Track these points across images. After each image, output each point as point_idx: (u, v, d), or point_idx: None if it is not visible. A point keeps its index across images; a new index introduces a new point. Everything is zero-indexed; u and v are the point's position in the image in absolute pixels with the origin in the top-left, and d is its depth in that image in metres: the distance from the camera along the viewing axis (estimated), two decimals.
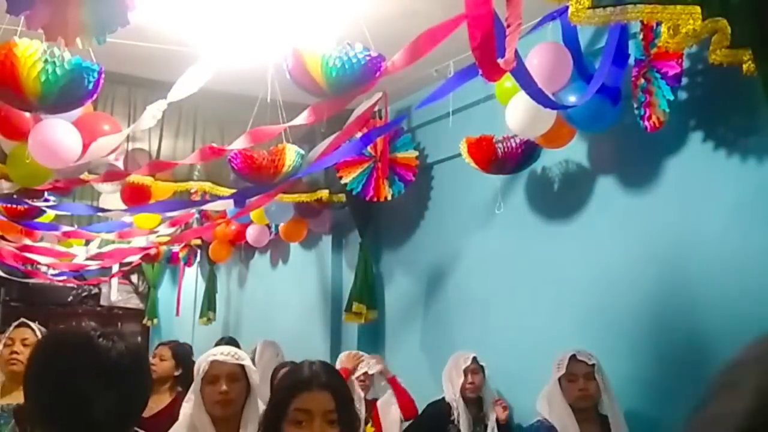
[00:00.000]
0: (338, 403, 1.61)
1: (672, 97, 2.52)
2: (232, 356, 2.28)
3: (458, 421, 3.21)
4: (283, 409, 1.61)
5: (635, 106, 2.67)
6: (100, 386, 1.25)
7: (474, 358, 3.32)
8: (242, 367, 2.26)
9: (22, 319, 3.07)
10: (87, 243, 5.89)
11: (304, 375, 1.67)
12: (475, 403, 3.34)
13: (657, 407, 2.69)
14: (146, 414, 4.07)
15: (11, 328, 3.00)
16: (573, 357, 2.73)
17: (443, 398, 3.33)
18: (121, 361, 1.29)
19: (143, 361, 1.39)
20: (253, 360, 3.30)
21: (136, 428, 1.38)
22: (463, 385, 3.27)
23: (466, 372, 3.28)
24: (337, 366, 3.38)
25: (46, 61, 2.29)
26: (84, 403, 1.23)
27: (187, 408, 2.29)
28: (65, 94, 2.40)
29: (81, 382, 1.24)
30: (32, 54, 2.27)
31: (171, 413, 3.62)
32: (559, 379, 2.74)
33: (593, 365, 2.70)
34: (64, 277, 7.20)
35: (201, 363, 2.30)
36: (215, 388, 2.21)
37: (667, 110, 2.54)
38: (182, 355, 3.87)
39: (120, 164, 3.75)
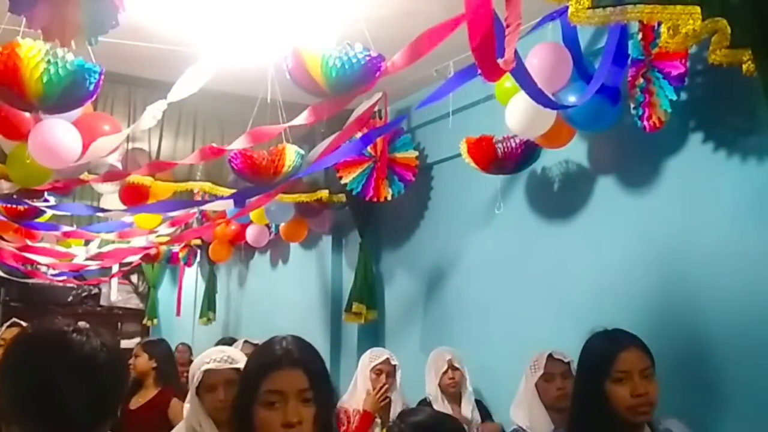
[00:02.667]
0: (312, 381, 1.52)
1: (675, 97, 2.52)
2: (225, 361, 2.22)
3: None
4: (254, 391, 1.51)
5: (632, 106, 2.67)
6: (74, 380, 1.25)
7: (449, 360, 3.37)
8: (237, 370, 2.18)
9: (14, 319, 3.08)
10: (87, 243, 5.90)
11: (274, 353, 1.56)
12: (455, 398, 3.38)
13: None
14: (133, 406, 4.19)
15: (3, 329, 3.01)
16: (550, 356, 2.69)
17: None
18: (95, 356, 1.29)
19: (119, 356, 1.39)
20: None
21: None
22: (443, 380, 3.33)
23: (446, 369, 3.34)
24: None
25: (48, 61, 2.29)
26: (57, 397, 1.24)
27: (187, 410, 2.27)
28: (67, 95, 2.40)
29: (54, 376, 1.25)
30: (35, 55, 2.27)
31: (155, 405, 3.77)
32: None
33: (569, 363, 2.66)
34: (64, 277, 7.20)
35: (195, 371, 2.24)
36: (214, 396, 2.18)
37: (670, 110, 2.54)
38: (152, 348, 4.03)
39: (120, 164, 3.75)
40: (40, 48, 2.28)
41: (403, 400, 3.46)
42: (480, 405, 3.45)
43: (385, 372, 3.35)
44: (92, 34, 2.32)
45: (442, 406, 3.27)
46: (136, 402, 3.84)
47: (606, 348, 2.01)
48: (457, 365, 3.37)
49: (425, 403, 3.36)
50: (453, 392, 3.36)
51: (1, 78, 2.31)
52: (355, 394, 3.39)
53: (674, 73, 2.52)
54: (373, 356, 3.41)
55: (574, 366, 2.60)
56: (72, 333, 1.31)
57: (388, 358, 3.39)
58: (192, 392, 2.23)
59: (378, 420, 3.28)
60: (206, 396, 2.19)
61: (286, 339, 1.61)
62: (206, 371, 2.20)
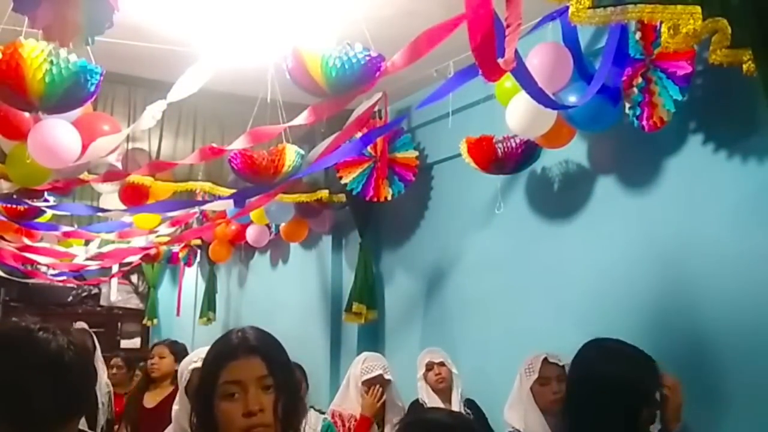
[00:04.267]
0: (271, 368, 1.47)
1: (680, 97, 2.51)
2: None
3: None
4: (213, 384, 1.46)
5: (628, 105, 2.66)
6: (39, 379, 1.26)
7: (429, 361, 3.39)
8: None
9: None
10: (87, 243, 5.90)
11: (230, 343, 1.53)
12: (447, 397, 3.38)
13: None
14: (150, 405, 4.27)
15: None
16: (545, 360, 2.66)
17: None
18: (62, 354, 1.30)
19: (86, 356, 1.40)
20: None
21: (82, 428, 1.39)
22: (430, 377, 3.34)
23: (430, 366, 3.36)
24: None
25: (51, 62, 2.29)
26: (23, 395, 1.24)
27: (176, 411, 2.26)
28: (68, 95, 2.40)
29: (20, 374, 1.26)
30: (38, 55, 2.27)
31: (172, 400, 3.80)
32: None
33: (563, 366, 2.61)
34: (64, 278, 7.21)
35: (183, 370, 2.23)
36: None
37: (673, 110, 2.54)
38: (179, 351, 4.21)
39: (120, 164, 3.75)
40: (42, 48, 2.29)
41: (403, 406, 3.45)
42: (475, 405, 3.44)
43: (378, 383, 3.34)
44: (89, 35, 2.33)
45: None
46: (153, 400, 3.91)
47: (648, 376, 1.98)
48: (439, 361, 3.37)
49: (418, 404, 3.35)
50: (442, 388, 3.35)
51: (3, 77, 2.31)
52: (347, 397, 3.37)
53: (680, 73, 2.51)
54: (365, 368, 3.38)
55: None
56: (38, 331, 1.31)
57: (381, 375, 3.36)
58: (181, 392, 2.21)
59: (375, 426, 3.29)
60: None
61: (243, 329, 1.58)
62: (194, 370, 2.19)
